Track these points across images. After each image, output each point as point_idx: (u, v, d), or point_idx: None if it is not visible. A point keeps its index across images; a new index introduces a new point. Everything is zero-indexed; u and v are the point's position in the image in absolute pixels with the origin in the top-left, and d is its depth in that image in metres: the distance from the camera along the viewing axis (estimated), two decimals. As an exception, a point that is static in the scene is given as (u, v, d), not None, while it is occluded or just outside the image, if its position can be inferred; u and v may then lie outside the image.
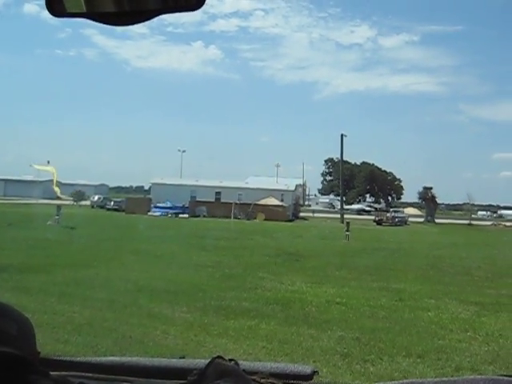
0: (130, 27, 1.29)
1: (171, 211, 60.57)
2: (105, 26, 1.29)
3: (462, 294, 16.68)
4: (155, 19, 1.28)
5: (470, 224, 70.65)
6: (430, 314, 13.90)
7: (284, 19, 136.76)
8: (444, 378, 1.58)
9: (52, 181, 49.28)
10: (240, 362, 1.48)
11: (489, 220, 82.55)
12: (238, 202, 63.15)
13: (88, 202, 75.10)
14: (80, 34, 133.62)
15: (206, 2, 1.24)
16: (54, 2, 1.28)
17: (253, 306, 13.82)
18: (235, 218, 53.53)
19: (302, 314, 13.20)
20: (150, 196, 72.43)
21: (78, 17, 1.28)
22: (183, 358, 1.73)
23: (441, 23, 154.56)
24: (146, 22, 1.27)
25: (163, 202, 63.28)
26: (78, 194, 74.96)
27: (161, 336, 10.52)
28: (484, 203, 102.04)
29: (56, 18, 1.31)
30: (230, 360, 1.45)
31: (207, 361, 1.41)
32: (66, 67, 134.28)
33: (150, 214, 59.58)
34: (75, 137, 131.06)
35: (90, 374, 1.54)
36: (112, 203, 69.46)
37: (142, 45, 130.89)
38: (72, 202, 70.30)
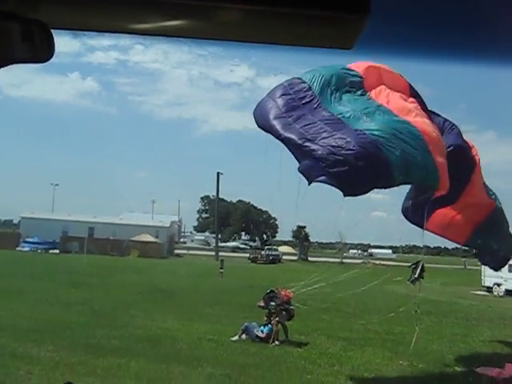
0: None
1: (41, 246, 58.37)
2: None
3: (330, 330, 17.24)
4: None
5: (341, 262, 72.61)
6: (299, 349, 14.23)
7: (164, 55, 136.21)
8: None
9: None
10: None
11: (359, 258, 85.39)
12: (111, 237, 62.03)
13: (-50, 237, 70.99)
14: None
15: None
16: None
17: (123, 343, 13.59)
18: (107, 253, 52.46)
19: (173, 351, 13.12)
20: (20, 230, 69.41)
21: None
22: None
23: (315, 66, 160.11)
24: None
25: (32, 237, 60.90)
26: None
27: (24, 376, 10.15)
28: (355, 242, 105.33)
29: None
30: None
31: None
32: None
33: (18, 249, 57.13)
34: None
35: None
36: (-23, 238, 66.05)
37: (15, 72, 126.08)
38: None
